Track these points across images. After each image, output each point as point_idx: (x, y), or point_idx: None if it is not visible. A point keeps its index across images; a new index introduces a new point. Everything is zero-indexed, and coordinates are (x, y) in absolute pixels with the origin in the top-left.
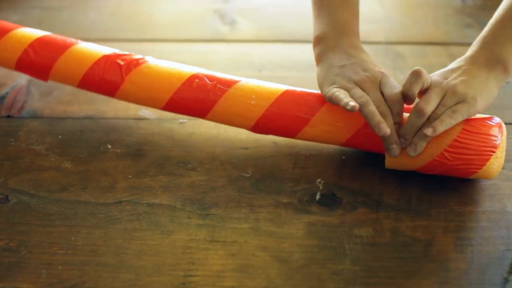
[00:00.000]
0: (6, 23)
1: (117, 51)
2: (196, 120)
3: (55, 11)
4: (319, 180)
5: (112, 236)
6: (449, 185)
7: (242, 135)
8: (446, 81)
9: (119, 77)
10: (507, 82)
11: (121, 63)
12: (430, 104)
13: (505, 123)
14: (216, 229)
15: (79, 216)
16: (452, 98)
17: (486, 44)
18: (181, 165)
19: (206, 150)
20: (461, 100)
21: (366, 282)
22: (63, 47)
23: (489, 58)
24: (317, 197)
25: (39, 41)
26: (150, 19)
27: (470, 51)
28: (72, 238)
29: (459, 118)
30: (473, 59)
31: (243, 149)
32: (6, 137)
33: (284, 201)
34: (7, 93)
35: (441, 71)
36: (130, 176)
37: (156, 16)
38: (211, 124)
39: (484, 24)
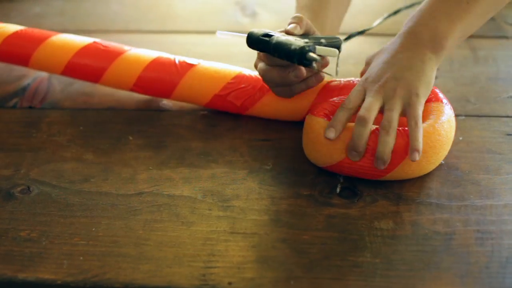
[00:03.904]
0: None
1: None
2: (217, 112)
3: (77, 2)
4: None
5: (132, 227)
6: (470, 179)
7: (263, 127)
8: (381, 82)
9: (238, 111)
10: None
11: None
12: (371, 111)
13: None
14: (237, 220)
15: (100, 207)
16: (396, 101)
17: (422, 19)
18: (202, 156)
19: (227, 142)
20: (406, 102)
21: (386, 275)
22: (167, 89)
23: (424, 36)
24: (338, 189)
25: (144, 79)
26: (171, 10)
27: (405, 27)
28: (93, 229)
29: (420, 121)
30: (407, 40)
31: (264, 141)
32: (27, 128)
33: (305, 193)
34: (28, 84)
35: (376, 67)
36: (151, 168)
37: (177, 8)
38: (232, 116)
39: (506, 17)
